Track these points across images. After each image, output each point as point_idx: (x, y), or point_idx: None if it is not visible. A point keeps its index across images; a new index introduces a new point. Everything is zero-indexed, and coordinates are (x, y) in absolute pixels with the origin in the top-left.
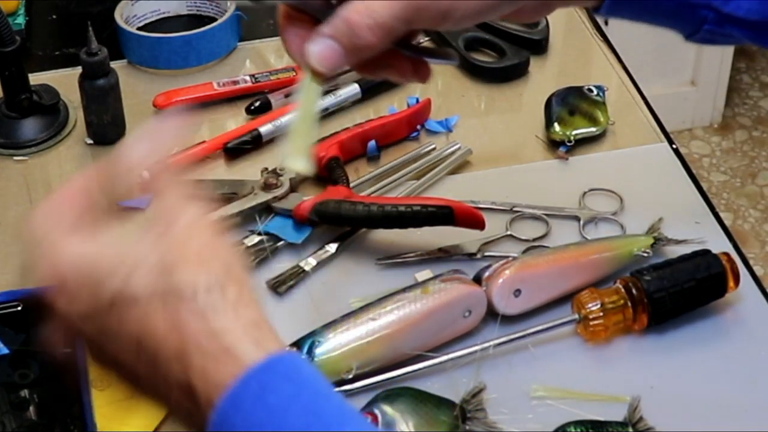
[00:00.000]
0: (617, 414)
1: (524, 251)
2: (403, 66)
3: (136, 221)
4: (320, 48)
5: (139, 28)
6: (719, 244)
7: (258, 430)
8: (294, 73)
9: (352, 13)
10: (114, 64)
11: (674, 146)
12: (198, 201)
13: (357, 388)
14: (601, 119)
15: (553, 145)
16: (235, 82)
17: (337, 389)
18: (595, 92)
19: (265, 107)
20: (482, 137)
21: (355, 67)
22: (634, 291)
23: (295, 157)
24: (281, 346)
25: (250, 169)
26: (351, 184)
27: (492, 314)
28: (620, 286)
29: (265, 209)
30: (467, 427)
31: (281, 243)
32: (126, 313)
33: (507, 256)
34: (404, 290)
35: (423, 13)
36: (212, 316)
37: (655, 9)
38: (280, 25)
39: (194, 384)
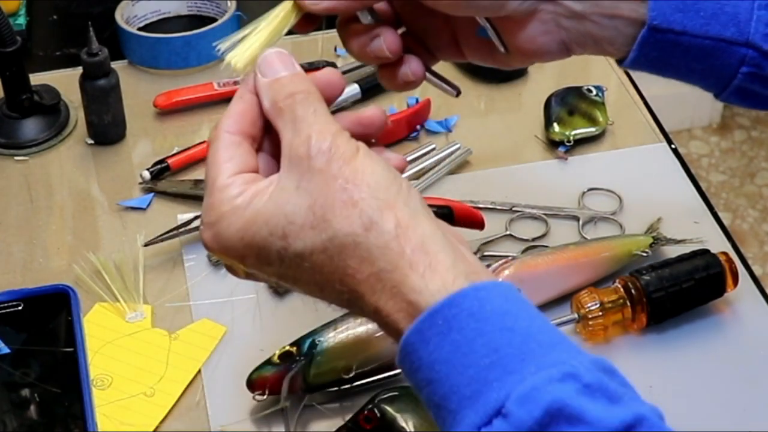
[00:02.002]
0: None
1: (523, 251)
2: (392, 40)
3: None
4: None
5: (139, 29)
6: (718, 244)
7: (442, 364)
8: None
9: None
10: (114, 65)
11: (673, 146)
12: (329, 117)
13: (357, 388)
14: (601, 119)
15: (553, 145)
16: (236, 83)
17: (337, 389)
18: (595, 92)
19: None
20: (482, 137)
21: (344, 36)
22: (633, 290)
23: (238, 56)
24: (449, 263)
25: None
26: None
27: None
28: (619, 286)
29: None
30: None
31: None
32: (297, 266)
33: (506, 256)
34: None
35: None
36: (378, 255)
37: (685, 55)
38: None
39: (379, 319)
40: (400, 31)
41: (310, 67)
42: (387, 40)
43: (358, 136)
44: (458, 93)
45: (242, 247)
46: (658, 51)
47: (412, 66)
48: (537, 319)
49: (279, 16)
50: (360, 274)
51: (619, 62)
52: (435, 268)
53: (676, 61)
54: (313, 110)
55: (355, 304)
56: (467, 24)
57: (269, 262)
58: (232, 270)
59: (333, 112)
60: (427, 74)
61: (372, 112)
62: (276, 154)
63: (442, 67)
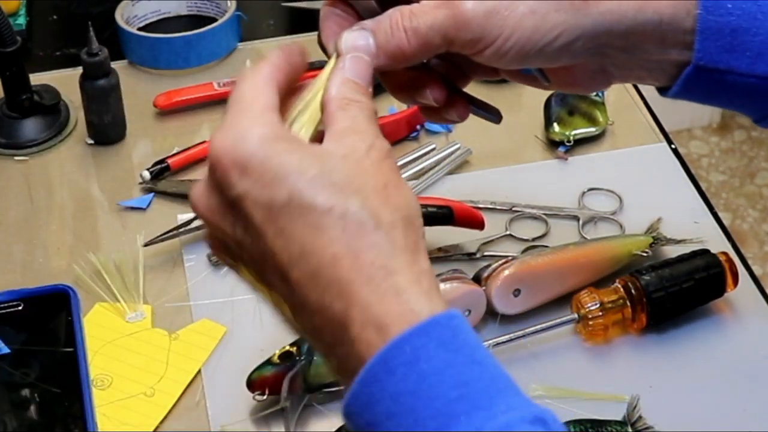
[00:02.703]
0: (616, 413)
1: (523, 251)
2: (438, 93)
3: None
4: (354, 36)
5: (139, 29)
6: (718, 244)
7: (407, 395)
8: None
9: (396, 12)
10: (114, 65)
11: (673, 146)
12: (380, 133)
13: None
14: (601, 119)
15: (553, 145)
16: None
17: (337, 389)
18: (595, 92)
19: None
20: (482, 137)
21: (389, 84)
22: (633, 291)
23: (304, 129)
24: (446, 303)
25: None
26: None
27: (491, 314)
28: (619, 286)
29: None
30: None
31: None
32: (299, 215)
33: (506, 256)
34: None
35: (462, 33)
36: (392, 253)
37: (729, 90)
38: (322, 12)
39: (352, 316)
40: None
41: (310, 68)
42: (434, 93)
43: (286, 74)
44: (500, 119)
45: (258, 164)
46: (702, 87)
47: (459, 111)
48: (499, 363)
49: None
50: (364, 257)
51: (660, 91)
52: (431, 297)
53: (719, 95)
54: (372, 122)
55: (328, 292)
56: None
57: (272, 196)
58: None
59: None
60: (472, 111)
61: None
62: None
63: None
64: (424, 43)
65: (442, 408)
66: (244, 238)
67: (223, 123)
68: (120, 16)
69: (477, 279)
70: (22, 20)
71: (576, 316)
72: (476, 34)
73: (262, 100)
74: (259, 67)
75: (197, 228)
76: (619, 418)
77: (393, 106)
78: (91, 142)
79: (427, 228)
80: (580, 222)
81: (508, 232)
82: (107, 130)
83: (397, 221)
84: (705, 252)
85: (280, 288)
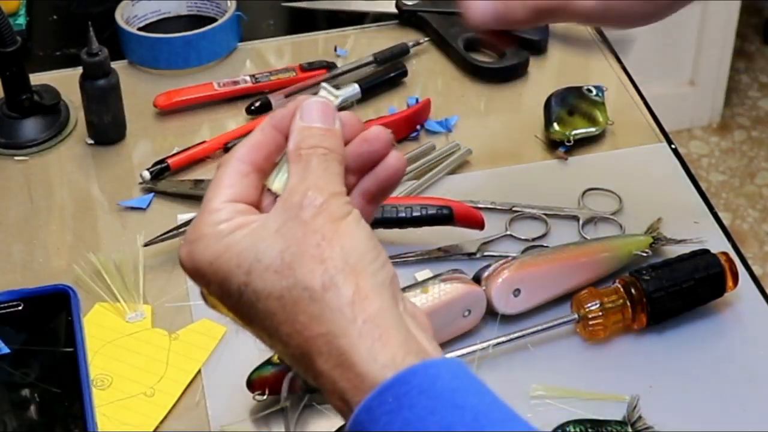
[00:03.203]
0: (616, 413)
1: (523, 251)
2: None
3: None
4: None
5: (139, 29)
6: (718, 244)
7: None
8: (294, 74)
9: None
10: (114, 65)
11: (673, 146)
12: (337, 179)
13: None
14: (601, 119)
15: (553, 145)
16: (236, 83)
17: None
18: (595, 92)
19: (266, 107)
20: (482, 137)
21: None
22: (633, 291)
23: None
24: (401, 339)
25: None
26: None
27: (491, 314)
28: (619, 286)
29: None
30: None
31: None
32: (252, 305)
33: (506, 256)
34: (404, 290)
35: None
36: (330, 318)
37: None
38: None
39: (321, 384)
40: None
41: (309, 68)
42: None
43: (365, 154)
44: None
45: (210, 272)
46: None
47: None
48: (487, 396)
49: None
50: (308, 332)
51: None
52: (385, 342)
53: None
54: (325, 167)
55: (301, 363)
56: None
57: (229, 293)
58: (203, 295)
59: (339, 109)
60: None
61: (376, 130)
62: None
63: (447, 71)
64: (537, 14)
65: None
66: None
67: (189, 226)
68: (120, 16)
69: (477, 279)
70: (22, 20)
71: (576, 316)
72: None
73: (218, 193)
74: (229, 154)
75: None
76: (619, 418)
77: (393, 106)
78: (91, 142)
79: (427, 228)
80: (580, 222)
81: (508, 232)
82: (107, 130)
83: (329, 281)
84: (705, 252)
85: (286, 356)
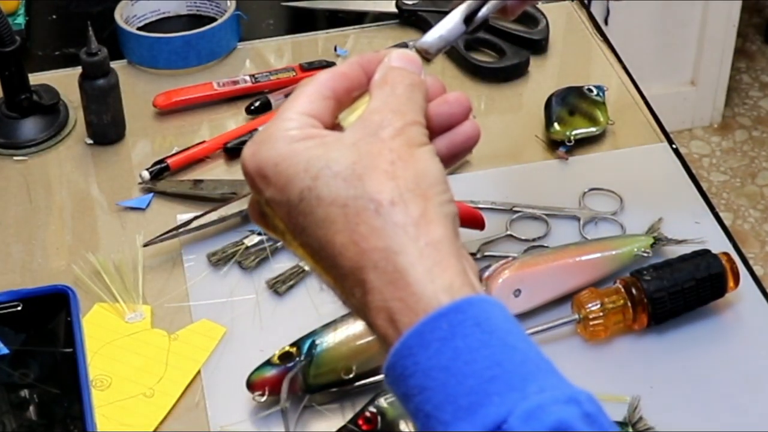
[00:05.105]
0: (617, 414)
1: (524, 251)
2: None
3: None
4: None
5: (139, 28)
6: (719, 244)
7: (440, 371)
8: (294, 73)
9: None
10: (114, 64)
11: (674, 146)
12: (417, 106)
13: (357, 388)
14: (601, 119)
15: (553, 145)
16: (235, 82)
17: (337, 389)
18: (595, 92)
19: (265, 107)
20: (482, 137)
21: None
22: (633, 291)
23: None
24: (459, 269)
25: None
26: None
27: None
28: (620, 286)
29: None
30: None
31: (281, 243)
32: (311, 212)
33: (507, 256)
34: None
35: None
36: (391, 233)
37: None
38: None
39: (368, 303)
40: None
41: (309, 67)
42: None
43: (443, 115)
44: None
45: (273, 173)
46: None
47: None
48: (535, 345)
49: None
50: (366, 244)
51: None
52: (445, 268)
53: None
54: (409, 96)
55: (349, 279)
56: None
57: (289, 198)
58: (251, 206)
59: None
60: None
61: (458, 93)
62: None
63: (447, 71)
64: None
65: (475, 386)
66: (280, 231)
67: (257, 133)
68: (119, 15)
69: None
70: (21, 20)
71: (577, 316)
72: None
73: (295, 104)
74: (310, 78)
75: (196, 228)
76: (620, 418)
77: None
78: (91, 142)
79: None
80: (581, 222)
81: (508, 233)
82: (106, 130)
83: (398, 198)
84: (706, 252)
85: (332, 270)
